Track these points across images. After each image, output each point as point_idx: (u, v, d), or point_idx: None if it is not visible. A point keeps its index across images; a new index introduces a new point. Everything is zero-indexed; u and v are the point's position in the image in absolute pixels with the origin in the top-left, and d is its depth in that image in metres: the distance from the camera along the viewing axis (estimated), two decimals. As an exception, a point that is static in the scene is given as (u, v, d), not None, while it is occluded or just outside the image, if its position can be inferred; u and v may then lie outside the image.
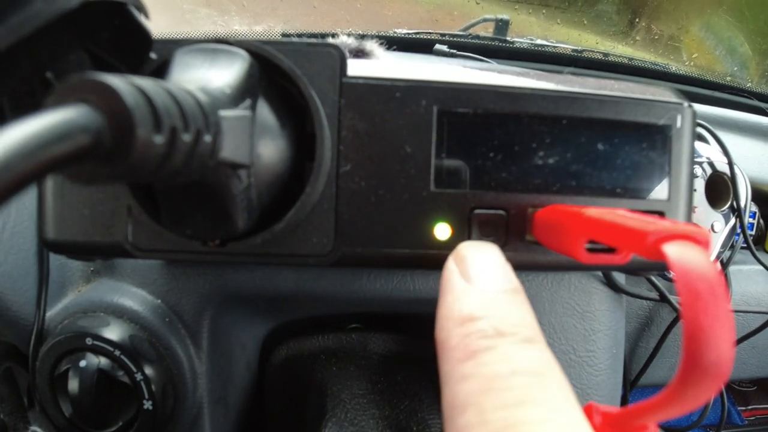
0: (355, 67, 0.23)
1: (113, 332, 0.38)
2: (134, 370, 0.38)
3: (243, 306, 0.43)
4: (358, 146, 0.23)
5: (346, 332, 0.51)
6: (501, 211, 0.23)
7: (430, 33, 0.80)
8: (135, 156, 0.12)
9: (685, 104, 0.25)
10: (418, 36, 0.78)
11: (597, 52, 0.80)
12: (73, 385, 0.37)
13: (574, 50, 0.78)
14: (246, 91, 0.18)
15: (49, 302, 0.41)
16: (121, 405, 0.38)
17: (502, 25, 0.81)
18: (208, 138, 0.15)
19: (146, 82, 0.13)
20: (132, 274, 0.41)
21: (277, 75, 0.22)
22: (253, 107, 0.18)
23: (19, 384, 0.46)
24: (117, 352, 0.38)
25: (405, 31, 0.81)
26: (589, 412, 0.17)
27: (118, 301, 0.40)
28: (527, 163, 0.23)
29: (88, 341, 0.38)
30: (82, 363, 0.37)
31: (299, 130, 0.22)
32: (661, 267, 0.25)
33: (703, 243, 0.14)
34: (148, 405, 0.38)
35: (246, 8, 0.89)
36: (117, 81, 0.12)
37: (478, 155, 0.23)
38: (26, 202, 0.41)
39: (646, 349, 0.60)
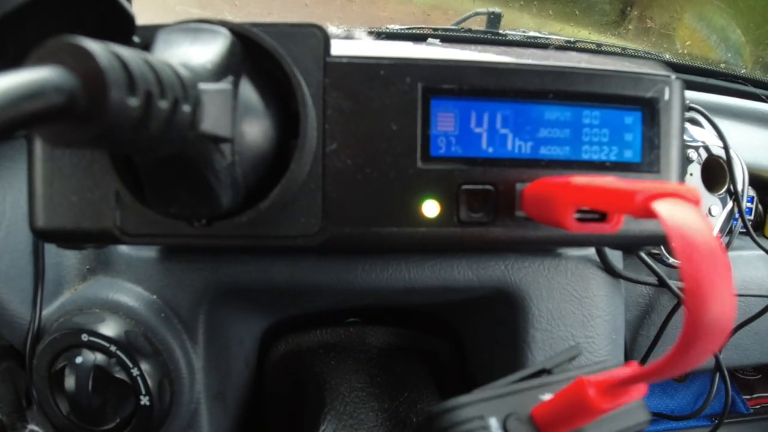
0: (340, 47, 0.23)
1: (109, 328, 0.38)
2: (130, 365, 0.37)
3: (239, 300, 0.43)
4: (343, 125, 0.23)
5: (344, 326, 0.51)
6: (489, 187, 0.23)
7: (422, 28, 0.80)
8: (109, 117, 0.12)
9: (673, 77, 0.25)
10: (410, 31, 0.78)
11: (590, 42, 0.80)
12: (70, 381, 0.37)
13: (566, 41, 0.78)
14: (228, 68, 0.18)
15: (45, 300, 0.41)
16: (119, 401, 0.38)
17: (494, 18, 0.80)
18: (186, 108, 0.15)
19: (123, 49, 0.13)
20: (127, 271, 0.41)
21: (262, 57, 0.22)
22: (235, 84, 0.18)
23: (17, 384, 0.46)
24: (113, 348, 0.37)
25: (397, 27, 0.81)
26: (581, 386, 0.17)
27: (114, 297, 0.39)
28: (514, 138, 0.23)
29: (84, 337, 0.37)
30: (79, 359, 0.37)
31: (285, 110, 0.22)
32: (655, 239, 0.25)
33: (692, 200, 0.14)
34: (145, 401, 0.38)
35: (239, 8, 0.89)
36: (92, 44, 0.12)
37: (464, 131, 0.23)
38: (21, 200, 0.41)
39: (647, 338, 0.59)
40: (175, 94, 0.14)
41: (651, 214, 0.14)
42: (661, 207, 0.14)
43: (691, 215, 0.13)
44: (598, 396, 0.17)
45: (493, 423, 0.19)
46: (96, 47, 0.12)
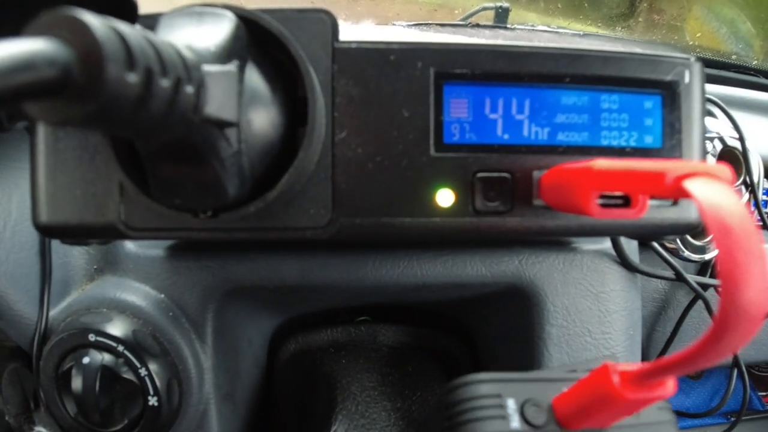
0: (348, 32, 0.22)
1: (116, 328, 0.37)
2: (138, 365, 0.37)
3: (248, 299, 0.42)
4: (353, 112, 0.22)
5: (355, 325, 0.50)
6: (505, 174, 0.22)
7: (429, 24, 0.80)
8: (107, 93, 0.11)
9: (692, 59, 0.24)
10: (417, 27, 0.77)
11: (599, 35, 0.79)
12: (77, 382, 0.36)
13: (575, 34, 0.77)
14: (233, 52, 0.17)
15: (53, 301, 0.40)
16: (126, 402, 0.38)
17: (502, 13, 0.80)
18: (189, 89, 0.14)
19: (122, 24, 0.12)
20: (135, 270, 0.40)
21: (268, 42, 0.21)
22: (241, 68, 0.18)
23: (24, 385, 0.45)
24: (120, 348, 0.37)
25: (404, 23, 0.81)
26: (605, 372, 0.16)
27: (121, 297, 0.39)
28: (530, 124, 0.22)
29: (91, 337, 0.37)
30: (86, 360, 0.37)
31: (292, 97, 0.21)
32: (677, 228, 0.24)
33: (725, 179, 0.13)
34: (153, 401, 0.37)
35: (244, 8, 0.89)
36: (88, 16, 0.11)
37: (478, 117, 0.22)
38: (27, 200, 0.41)
39: (663, 334, 0.58)
40: (178, 73, 0.13)
41: (683, 194, 0.13)
42: (693, 186, 0.13)
43: (725, 194, 0.13)
44: (622, 383, 0.16)
45: (511, 404, 0.19)
46: (93, 19, 0.11)
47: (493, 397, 0.19)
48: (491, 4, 0.81)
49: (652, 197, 0.18)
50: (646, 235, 0.29)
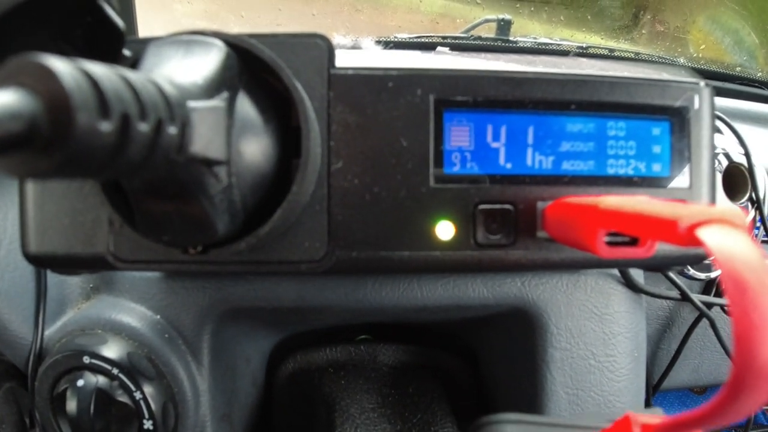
0: (345, 58, 0.22)
1: (111, 350, 0.37)
2: (133, 388, 0.36)
3: (245, 319, 0.41)
4: (350, 141, 0.21)
5: (355, 343, 0.49)
6: (508, 206, 0.21)
7: (431, 36, 0.79)
8: (77, 144, 0.10)
9: (702, 83, 0.23)
10: (419, 39, 0.76)
11: (602, 48, 0.78)
12: (71, 405, 0.36)
13: (579, 47, 0.76)
14: (222, 83, 0.17)
15: (48, 320, 0.40)
16: (121, 425, 0.37)
17: (504, 25, 0.79)
18: (173, 130, 0.13)
19: (96, 67, 0.12)
20: (131, 290, 0.40)
21: (262, 70, 0.21)
22: (231, 100, 0.17)
23: (20, 405, 0.45)
24: (115, 371, 0.36)
25: (406, 36, 0.80)
26: (626, 424, 0.16)
27: (116, 318, 0.38)
28: (534, 153, 0.22)
29: (86, 360, 0.36)
30: (80, 382, 0.36)
31: (287, 126, 0.21)
32: (689, 260, 0.23)
33: (741, 226, 0.12)
34: (148, 425, 0.37)
35: (246, 20, 0.89)
36: (56, 62, 0.10)
37: (479, 146, 0.22)
38: (22, 218, 0.40)
39: (667, 352, 0.57)
40: (159, 114, 0.13)
41: (695, 243, 0.13)
42: (708, 236, 0.12)
43: (742, 246, 0.12)
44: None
45: None
46: (60, 65, 0.10)
47: None
48: (493, 16, 0.80)
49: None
50: (654, 267, 0.28)
